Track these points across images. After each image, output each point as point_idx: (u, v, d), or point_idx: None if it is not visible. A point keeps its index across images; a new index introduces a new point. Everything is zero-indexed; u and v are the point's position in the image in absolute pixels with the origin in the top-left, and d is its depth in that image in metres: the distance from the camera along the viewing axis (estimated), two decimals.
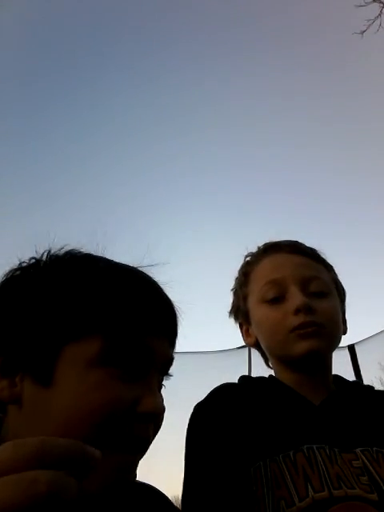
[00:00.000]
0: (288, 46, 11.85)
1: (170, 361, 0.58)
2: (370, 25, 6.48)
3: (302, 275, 0.89)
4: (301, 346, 0.83)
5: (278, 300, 0.87)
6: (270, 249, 0.96)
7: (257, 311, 0.91)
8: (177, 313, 0.60)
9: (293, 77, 12.05)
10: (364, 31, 6.54)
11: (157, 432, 0.56)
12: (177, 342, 0.60)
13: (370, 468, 0.74)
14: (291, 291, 0.86)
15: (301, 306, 0.84)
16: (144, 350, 0.53)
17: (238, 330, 1.03)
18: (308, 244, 0.98)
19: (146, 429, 0.52)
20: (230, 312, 1.02)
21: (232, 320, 1.03)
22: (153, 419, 0.53)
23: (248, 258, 1.00)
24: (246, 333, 0.99)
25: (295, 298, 0.85)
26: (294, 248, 0.94)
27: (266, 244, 0.99)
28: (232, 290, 1.02)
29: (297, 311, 0.84)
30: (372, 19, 6.45)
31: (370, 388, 0.95)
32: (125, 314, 0.52)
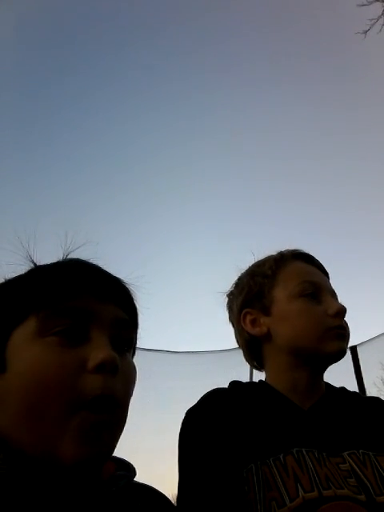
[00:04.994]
0: (288, 47, 11.84)
1: (120, 321, 0.61)
2: (372, 24, 6.46)
3: (331, 289, 0.98)
4: (335, 345, 0.89)
5: (315, 298, 0.93)
6: (300, 256, 1.02)
7: (291, 304, 0.93)
8: (116, 280, 0.66)
9: (293, 78, 12.03)
10: (367, 31, 6.53)
11: (127, 387, 0.59)
12: (137, 306, 0.67)
13: (358, 470, 0.76)
14: (327, 297, 0.94)
15: (342, 310, 0.91)
16: (73, 312, 0.57)
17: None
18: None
19: (105, 379, 0.54)
20: (245, 298, 0.99)
21: (230, 310, 1.04)
22: (107, 370, 0.55)
23: (275, 256, 1.02)
24: (251, 322, 0.96)
25: (335, 303, 0.93)
26: (320, 266, 1.03)
27: (294, 250, 1.03)
28: (248, 275, 1.01)
29: (337, 314, 0.91)
30: (375, 19, 6.43)
31: (357, 394, 0.97)
32: (48, 289, 0.59)
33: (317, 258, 1.04)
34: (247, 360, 1.02)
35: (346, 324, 0.94)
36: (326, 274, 1.03)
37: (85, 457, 0.51)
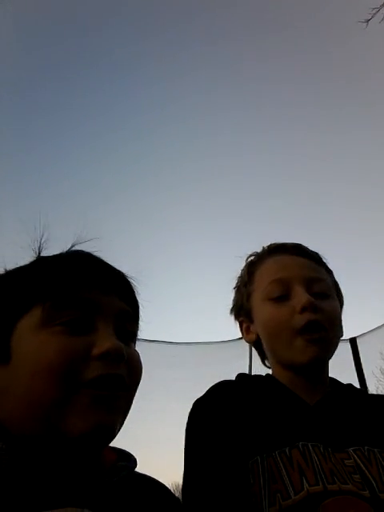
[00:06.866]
0: (289, 35, 11.70)
1: (124, 313, 0.62)
2: (374, 13, 6.37)
3: (306, 276, 0.91)
4: (306, 354, 0.85)
5: (283, 298, 0.89)
6: (275, 249, 0.98)
7: (261, 309, 0.92)
8: (120, 273, 0.66)
9: (294, 70, 11.91)
10: (369, 20, 6.44)
11: (135, 377, 0.60)
12: (138, 298, 0.67)
13: (362, 467, 0.76)
14: (296, 290, 0.88)
15: (307, 304, 0.85)
16: (80, 303, 0.58)
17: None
18: (310, 243, 1.01)
19: (110, 365, 0.55)
20: (232, 309, 1.03)
21: (232, 317, 1.04)
22: (113, 358, 0.55)
23: (252, 258, 1.01)
24: (246, 330, 0.99)
25: (301, 296, 0.86)
26: (298, 250, 0.96)
27: (270, 245, 1.00)
28: (234, 287, 1.03)
29: (303, 309, 0.85)
30: (377, 7, 6.34)
31: (363, 392, 0.97)
32: (55, 280, 0.59)
33: (291, 242, 0.98)
34: (261, 361, 1.04)
35: (329, 312, 0.87)
36: (304, 254, 0.95)
37: (88, 429, 0.52)
